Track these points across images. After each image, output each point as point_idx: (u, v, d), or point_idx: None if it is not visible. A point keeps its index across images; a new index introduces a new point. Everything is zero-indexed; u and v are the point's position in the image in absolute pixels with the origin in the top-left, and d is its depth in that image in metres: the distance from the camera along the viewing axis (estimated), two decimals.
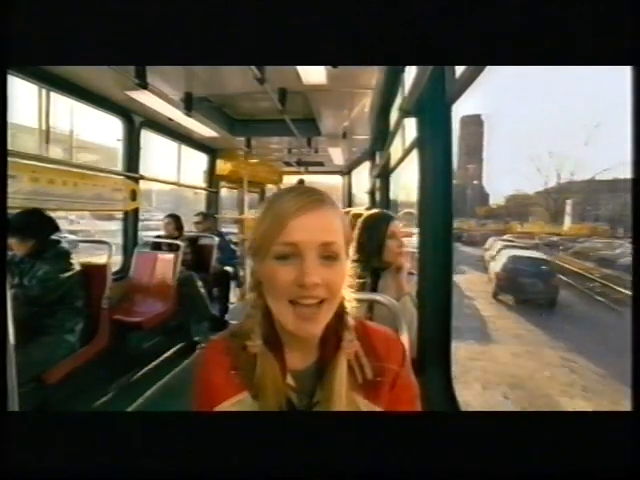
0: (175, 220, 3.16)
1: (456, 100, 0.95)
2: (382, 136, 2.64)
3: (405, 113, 1.27)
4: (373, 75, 2.14)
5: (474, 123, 47.55)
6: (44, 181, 2.07)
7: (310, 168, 5.14)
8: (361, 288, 0.89)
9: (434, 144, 1.09)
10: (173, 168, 3.58)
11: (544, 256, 11.63)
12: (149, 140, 3.05)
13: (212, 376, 0.53)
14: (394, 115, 2.13)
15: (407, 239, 1.36)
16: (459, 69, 0.85)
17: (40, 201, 2.02)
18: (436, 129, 1.08)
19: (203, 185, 4.25)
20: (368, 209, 1.73)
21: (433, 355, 1.08)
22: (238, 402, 0.50)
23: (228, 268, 3.56)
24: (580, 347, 6.44)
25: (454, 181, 1.20)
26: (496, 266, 10.83)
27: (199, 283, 2.89)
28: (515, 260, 10.37)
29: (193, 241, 3.29)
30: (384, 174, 2.75)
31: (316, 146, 3.85)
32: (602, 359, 5.82)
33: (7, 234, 1.62)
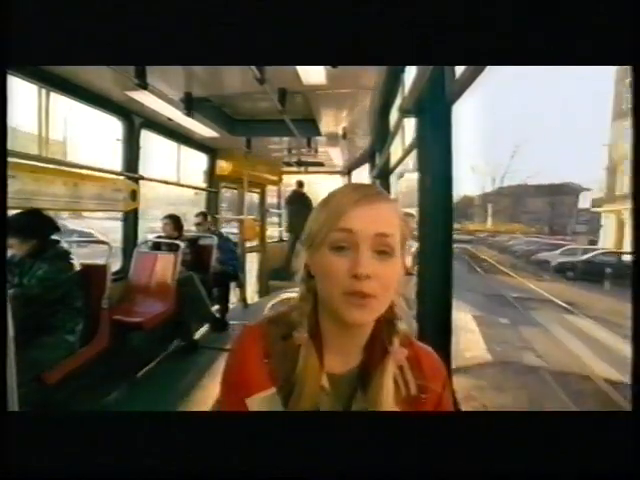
0: (174, 220, 3.15)
1: (456, 100, 0.95)
2: (382, 136, 2.63)
3: (405, 113, 1.28)
4: (373, 75, 2.13)
5: None
6: (44, 181, 2.07)
7: (310, 168, 5.13)
8: None
9: (434, 144, 1.09)
10: (173, 168, 3.58)
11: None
12: (149, 140, 3.04)
13: (245, 360, 0.51)
14: (394, 115, 2.13)
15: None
16: (459, 69, 0.85)
17: (40, 201, 2.02)
18: (436, 129, 1.08)
19: (203, 185, 4.24)
20: None
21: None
22: (265, 398, 0.49)
23: (228, 268, 3.55)
24: None
25: None
26: None
27: (199, 283, 2.89)
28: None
29: (193, 241, 3.28)
30: (384, 174, 2.75)
31: (316, 146, 3.84)
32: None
33: (7, 234, 1.62)
